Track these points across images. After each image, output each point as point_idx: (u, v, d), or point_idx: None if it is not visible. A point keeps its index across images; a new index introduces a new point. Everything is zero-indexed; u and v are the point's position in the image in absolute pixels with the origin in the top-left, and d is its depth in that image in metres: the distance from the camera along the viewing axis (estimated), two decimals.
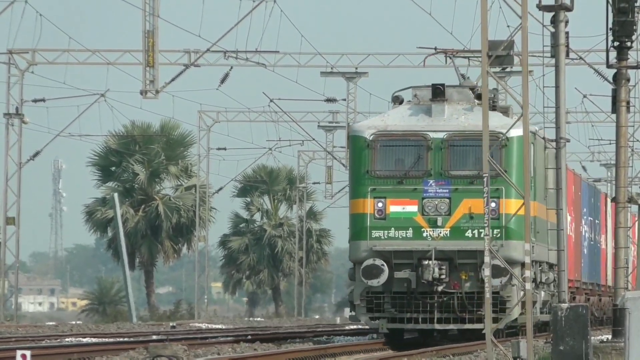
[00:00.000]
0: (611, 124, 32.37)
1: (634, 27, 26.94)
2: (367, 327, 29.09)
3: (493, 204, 26.28)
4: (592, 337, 23.02)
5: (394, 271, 26.58)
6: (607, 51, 27.16)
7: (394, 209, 27.25)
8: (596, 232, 42.01)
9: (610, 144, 48.99)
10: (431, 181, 27.23)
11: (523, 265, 25.22)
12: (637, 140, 40.96)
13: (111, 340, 30.83)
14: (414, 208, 27.21)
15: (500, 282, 26.20)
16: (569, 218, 36.46)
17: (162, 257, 78.31)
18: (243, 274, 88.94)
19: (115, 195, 67.94)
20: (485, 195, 20.50)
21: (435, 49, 31.90)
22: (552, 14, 23.62)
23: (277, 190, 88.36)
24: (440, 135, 27.17)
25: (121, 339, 32.25)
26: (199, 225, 73.56)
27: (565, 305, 22.64)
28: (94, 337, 34.47)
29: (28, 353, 16.04)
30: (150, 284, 79.55)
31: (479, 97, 27.64)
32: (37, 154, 59.78)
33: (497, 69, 29.45)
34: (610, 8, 26.40)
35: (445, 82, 29.58)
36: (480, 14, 19.12)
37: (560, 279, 30.11)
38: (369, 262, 26.50)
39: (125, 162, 76.15)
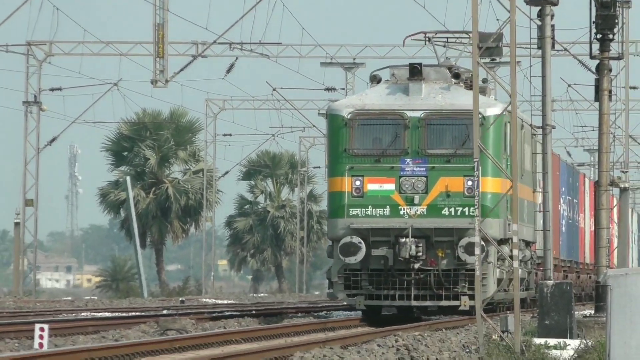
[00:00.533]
0: (594, 111, 31.83)
1: (616, 20, 27.05)
2: (347, 303, 28.38)
3: (470, 182, 25.79)
4: (576, 312, 23.83)
5: (371, 249, 25.77)
6: (591, 43, 27.32)
7: (371, 187, 26.41)
8: (574, 210, 41.29)
9: (593, 130, 49.03)
10: (408, 160, 26.32)
11: (499, 242, 25.59)
12: (619, 127, 41.67)
13: (124, 314, 31.51)
14: (391, 186, 26.34)
15: (476, 259, 24.75)
16: (561, 203, 36.51)
17: (172, 237, 79.20)
18: (248, 252, 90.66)
19: (128, 178, 68.91)
20: (475, 178, 19.88)
21: (425, 36, 30.59)
22: (538, 8, 24.36)
23: (280, 174, 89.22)
24: (418, 114, 26.28)
25: (133, 314, 32.72)
26: (206, 206, 74.24)
27: (550, 282, 23.85)
28: (108, 312, 35.19)
29: (46, 326, 16.30)
30: (160, 261, 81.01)
31: (456, 76, 27.38)
32: (53, 139, 60.01)
33: (487, 60, 28.14)
34: (593, 2, 26.46)
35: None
36: (472, 7, 18.88)
37: (546, 257, 29.76)
38: (347, 239, 25.69)
39: (136, 148, 76.75)
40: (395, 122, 26.51)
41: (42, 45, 56.54)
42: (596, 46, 26.83)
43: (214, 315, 29.29)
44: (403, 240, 25.47)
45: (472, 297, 24.50)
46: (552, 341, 20.29)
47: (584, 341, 19.74)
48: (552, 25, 25.08)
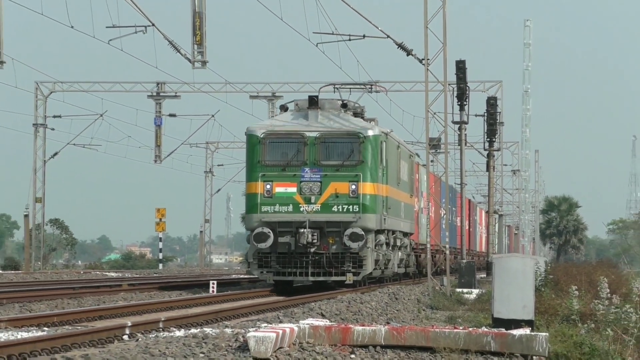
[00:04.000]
0: (485, 176, 50.84)
1: (496, 132, 41.85)
2: (261, 279, 29.12)
3: (353, 186, 26.55)
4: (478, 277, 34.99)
5: (278, 237, 26.59)
6: (484, 142, 42.97)
7: (278, 190, 27.12)
8: (453, 215, 45.19)
9: (485, 186, 61.87)
10: (307, 169, 27.08)
11: (376, 232, 27.25)
12: (497, 184, 62.18)
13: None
14: (293, 189, 27.08)
15: (358, 245, 26.28)
16: (431, 207, 38.43)
17: None
18: None
19: None
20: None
21: (334, 87, 31.24)
22: (458, 125, 36.24)
23: None
24: (314, 134, 27.15)
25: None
26: None
27: (464, 261, 35.11)
28: (240, 275, 46.84)
29: (215, 282, 27.44)
30: None
31: (344, 105, 28.14)
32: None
33: (432, 151, 40.76)
34: (485, 123, 40.73)
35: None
36: (425, 124, 29.96)
37: (463, 250, 39.33)
38: (259, 230, 26.51)
39: None
40: (297, 140, 27.27)
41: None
42: (487, 144, 42.10)
43: None
44: (302, 230, 26.36)
45: (355, 274, 26.40)
46: (465, 290, 29.59)
47: (481, 290, 28.94)
48: (465, 134, 37.03)
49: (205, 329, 14.62)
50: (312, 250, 26.39)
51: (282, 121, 27.97)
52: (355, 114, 28.24)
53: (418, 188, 36.48)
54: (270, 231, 26.25)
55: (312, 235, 26.35)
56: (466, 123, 35.04)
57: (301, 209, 26.76)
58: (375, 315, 18.93)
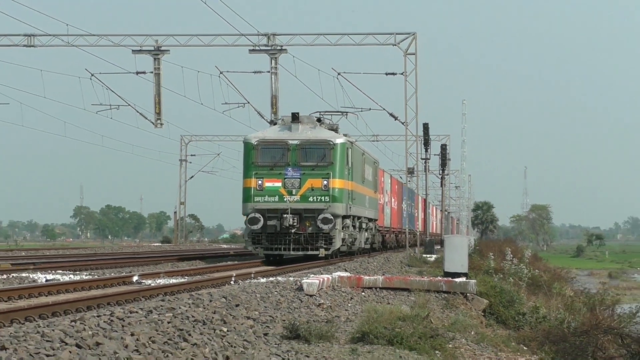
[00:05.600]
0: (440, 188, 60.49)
1: (446, 164, 54.28)
2: (254, 254, 31.14)
3: (325, 182, 28.92)
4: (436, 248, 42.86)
5: (267, 221, 28.78)
6: (439, 170, 55.19)
7: (267, 184, 29.20)
8: (412, 208, 52.68)
9: (440, 196, 71.82)
10: (289, 168, 29.20)
11: (343, 217, 29.91)
12: (447, 194, 75.78)
13: None
14: (279, 184, 29.16)
15: (329, 227, 28.61)
16: (394, 200, 42.23)
17: None
18: None
19: None
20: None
21: (320, 114, 33.55)
22: (423, 161, 49.77)
23: None
24: (295, 141, 29.42)
25: None
26: None
27: (428, 238, 44.48)
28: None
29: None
30: None
31: (318, 120, 30.95)
32: (191, 177, 75.53)
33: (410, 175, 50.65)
34: (439, 159, 54.11)
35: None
36: (405, 152, 42.51)
37: (427, 230, 50.77)
38: (252, 215, 28.78)
39: None
40: (282, 147, 29.55)
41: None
42: (440, 171, 54.57)
43: None
44: (285, 215, 28.71)
45: (326, 249, 28.91)
46: (428, 255, 38.10)
47: (437, 255, 36.70)
48: (428, 165, 49.33)
49: (278, 277, 20.14)
50: (293, 231, 28.73)
51: (271, 132, 30.48)
52: (331, 129, 31.12)
53: (383, 187, 41.61)
54: (261, 216, 28.61)
55: (293, 219, 28.71)
56: (429, 159, 49.68)
57: (285, 200, 29.01)
58: (376, 270, 26.00)
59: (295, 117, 29.99)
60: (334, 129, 31.65)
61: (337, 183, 29.34)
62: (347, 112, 36.67)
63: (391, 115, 42.03)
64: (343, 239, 30.30)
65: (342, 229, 30.14)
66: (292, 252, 29.19)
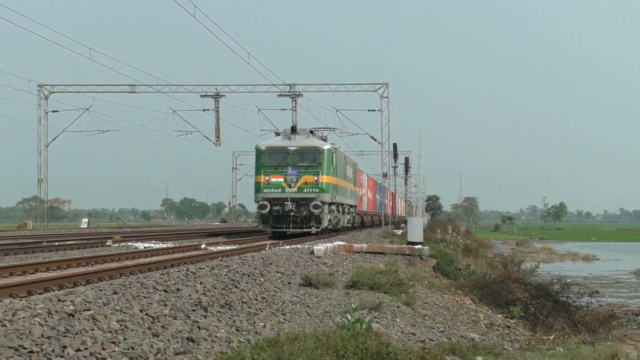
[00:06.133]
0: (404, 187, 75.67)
1: (409, 170, 68.19)
2: (264, 231, 34.05)
3: (315, 178, 31.56)
4: (401, 225, 49.85)
5: (273, 207, 31.09)
6: (405, 174, 67.75)
7: (273, 180, 31.33)
8: (384, 198, 63.17)
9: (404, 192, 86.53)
10: (289, 168, 31.42)
11: (329, 204, 32.99)
12: (409, 190, 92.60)
13: None
14: (281, 179, 31.30)
15: (318, 211, 31.32)
16: (370, 193, 53.53)
17: None
18: None
19: None
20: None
21: (310, 130, 35.41)
22: (393, 168, 58.87)
23: None
24: (293, 148, 31.82)
25: None
26: None
27: (396, 219, 58.55)
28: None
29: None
30: None
31: (311, 132, 34.08)
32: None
33: (384, 177, 58.92)
34: (404, 167, 64.11)
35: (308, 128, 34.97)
36: (381, 167, 57.52)
37: (396, 214, 67.08)
38: (262, 202, 31.21)
39: None
40: (284, 152, 31.60)
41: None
42: (405, 175, 68.33)
43: None
44: (286, 203, 30.87)
45: (317, 227, 31.62)
46: (396, 230, 45.36)
47: (402, 230, 43.73)
48: (396, 170, 58.50)
49: (297, 245, 23.45)
50: (292, 214, 30.96)
51: (276, 141, 32.72)
52: (321, 139, 34.21)
53: (362, 183, 48.38)
54: (268, 203, 30.95)
55: (292, 205, 31.03)
56: (397, 167, 58.94)
57: (286, 191, 30.97)
58: (362, 240, 29.99)
59: (293, 130, 32.98)
60: (324, 139, 34.65)
61: (324, 179, 31.61)
62: (333, 129, 43.50)
63: (372, 137, 54.11)
64: (329, 220, 32.75)
65: (329, 212, 32.47)
66: (291, 230, 31.44)
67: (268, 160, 31.71)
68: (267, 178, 31.29)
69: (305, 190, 31.27)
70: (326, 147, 32.57)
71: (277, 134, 34.03)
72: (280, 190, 31.16)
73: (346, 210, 38.38)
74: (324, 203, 31.58)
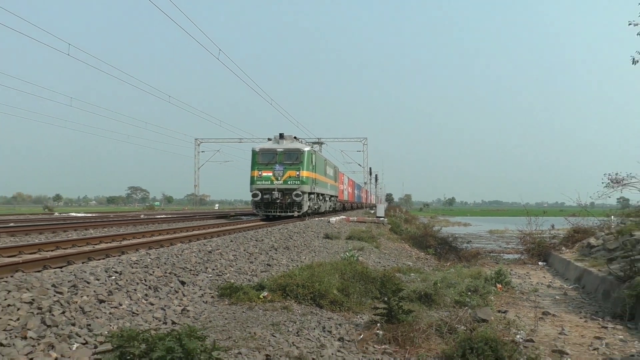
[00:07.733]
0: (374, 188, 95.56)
1: (378, 180, 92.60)
2: (257, 215, 36.45)
3: (297, 173, 33.15)
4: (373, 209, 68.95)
5: (263, 195, 32.80)
6: (375, 182, 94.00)
7: (264, 174, 33.01)
8: (361, 192, 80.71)
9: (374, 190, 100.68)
10: (277, 165, 33.17)
11: (309, 193, 34.66)
12: (377, 189, 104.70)
13: None
14: (271, 174, 33.03)
15: (300, 199, 32.83)
16: (349, 188, 64.47)
17: None
18: None
19: None
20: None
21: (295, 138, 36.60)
22: (369, 179, 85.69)
23: None
24: (281, 149, 33.70)
25: None
26: None
27: (370, 205, 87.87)
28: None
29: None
30: None
31: (295, 138, 35.70)
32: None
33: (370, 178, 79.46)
34: (375, 179, 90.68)
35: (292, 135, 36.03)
36: (363, 178, 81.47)
37: (369, 203, 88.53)
38: (255, 192, 32.88)
39: None
40: (273, 153, 33.28)
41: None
42: (375, 182, 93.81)
43: None
44: (274, 192, 32.53)
45: (298, 212, 33.11)
46: (372, 210, 64.38)
47: (373, 211, 59.61)
48: (370, 170, 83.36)
49: (322, 217, 34.80)
50: (278, 201, 32.68)
51: (267, 144, 34.55)
52: (306, 144, 36.56)
53: (343, 181, 56.42)
54: (260, 192, 32.53)
55: (279, 194, 32.64)
56: (371, 179, 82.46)
57: (274, 183, 32.55)
58: (354, 216, 44.53)
59: (281, 136, 35.09)
60: (307, 144, 37.03)
61: (304, 173, 33.28)
62: (321, 142, 53.57)
63: (359, 165, 79.62)
64: (310, 206, 35.07)
65: (309, 200, 34.38)
66: (278, 213, 33.41)
67: (261, 159, 34.13)
68: (260, 173, 33.54)
69: (289, 182, 33.49)
70: (306, 149, 35.41)
71: (269, 139, 36.36)
72: (269, 182, 33.39)
73: (327, 199, 42.39)
74: (304, 192, 34.03)
